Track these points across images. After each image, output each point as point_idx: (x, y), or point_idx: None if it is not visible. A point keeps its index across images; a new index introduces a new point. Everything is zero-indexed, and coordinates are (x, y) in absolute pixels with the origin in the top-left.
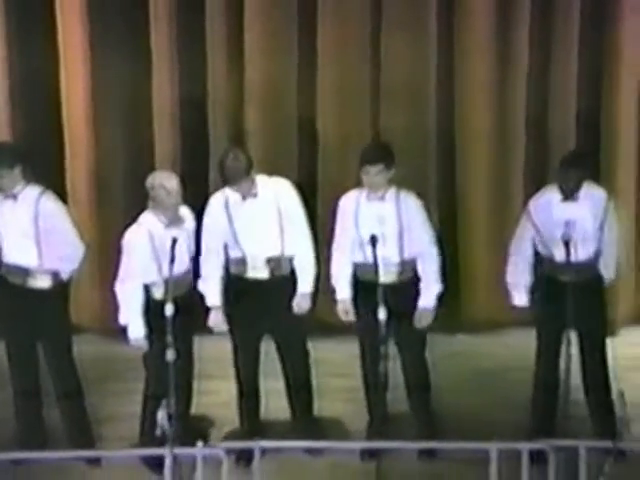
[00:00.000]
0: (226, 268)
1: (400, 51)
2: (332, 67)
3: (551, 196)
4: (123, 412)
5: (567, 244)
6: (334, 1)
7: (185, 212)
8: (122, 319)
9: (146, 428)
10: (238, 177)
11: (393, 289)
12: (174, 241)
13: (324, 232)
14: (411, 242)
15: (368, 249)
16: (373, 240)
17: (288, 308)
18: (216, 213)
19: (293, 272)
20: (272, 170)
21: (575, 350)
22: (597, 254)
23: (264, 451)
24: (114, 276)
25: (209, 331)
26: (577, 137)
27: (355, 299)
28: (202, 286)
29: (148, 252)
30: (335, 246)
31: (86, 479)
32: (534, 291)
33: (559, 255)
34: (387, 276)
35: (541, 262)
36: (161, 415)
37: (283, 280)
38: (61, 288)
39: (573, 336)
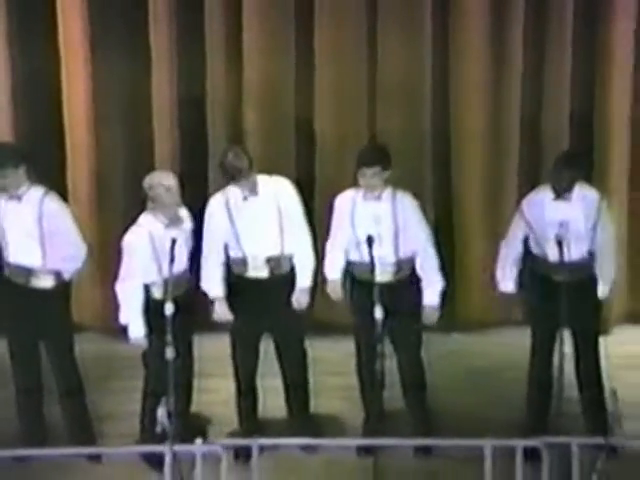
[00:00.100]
0: (227, 267)
1: (396, 51)
2: (329, 67)
3: (544, 195)
4: (123, 410)
5: (560, 244)
6: (331, 1)
7: (183, 213)
8: (122, 319)
9: (146, 425)
10: (240, 174)
11: (389, 288)
12: (174, 241)
13: (321, 231)
14: (407, 242)
15: (364, 249)
16: (370, 240)
17: (287, 306)
18: (217, 213)
19: (292, 270)
20: (270, 169)
21: (568, 349)
22: (591, 254)
23: (262, 448)
24: (114, 275)
25: (208, 330)
26: (570, 138)
27: (351, 298)
28: (204, 284)
29: (148, 253)
30: (330, 245)
31: (87, 475)
32: (528, 291)
33: (552, 255)
34: (383, 275)
35: (535, 261)
36: (161, 413)
37: (282, 279)
38: (63, 288)
39: (566, 335)
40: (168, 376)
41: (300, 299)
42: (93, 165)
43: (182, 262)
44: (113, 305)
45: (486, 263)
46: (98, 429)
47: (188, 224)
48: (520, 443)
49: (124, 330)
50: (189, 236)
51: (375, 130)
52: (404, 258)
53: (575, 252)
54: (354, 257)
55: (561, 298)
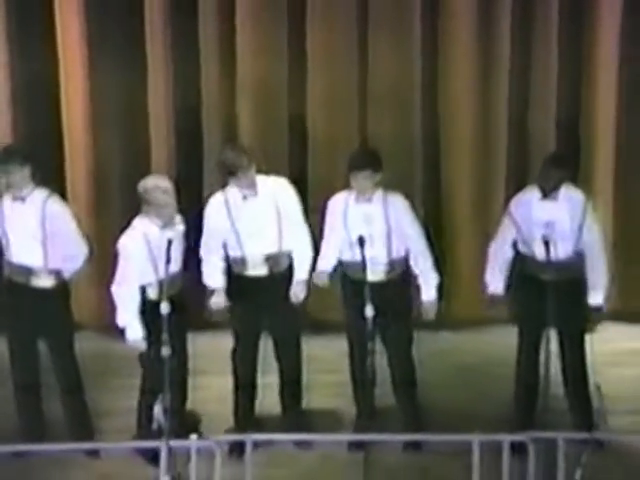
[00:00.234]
0: (226, 265)
1: (386, 55)
2: (321, 71)
3: (531, 195)
4: (121, 406)
5: (547, 244)
6: (322, 6)
7: (176, 215)
8: (120, 321)
9: (143, 422)
10: (239, 170)
11: (381, 287)
12: (170, 242)
13: (315, 232)
14: (399, 242)
15: (356, 249)
16: (361, 241)
17: (286, 302)
18: (217, 213)
19: (290, 267)
20: (264, 172)
21: (555, 347)
22: (577, 254)
23: (256, 443)
24: (112, 275)
25: (202, 328)
26: (557, 139)
27: (344, 297)
28: (207, 280)
29: (144, 255)
30: (324, 246)
31: (85, 470)
32: (515, 290)
33: (540, 254)
34: (375, 275)
35: (522, 261)
36: (157, 409)
37: (281, 276)
38: (63, 287)
39: (553, 333)
40: (164, 374)
41: (297, 292)
42: (91, 166)
43: (177, 262)
44: (110, 304)
45: (475, 263)
46: (96, 425)
47: (181, 226)
48: (507, 438)
49: (122, 330)
50: (182, 237)
51: (366, 133)
52: (397, 258)
53: (562, 252)
54: (347, 257)
55: (548, 297)
